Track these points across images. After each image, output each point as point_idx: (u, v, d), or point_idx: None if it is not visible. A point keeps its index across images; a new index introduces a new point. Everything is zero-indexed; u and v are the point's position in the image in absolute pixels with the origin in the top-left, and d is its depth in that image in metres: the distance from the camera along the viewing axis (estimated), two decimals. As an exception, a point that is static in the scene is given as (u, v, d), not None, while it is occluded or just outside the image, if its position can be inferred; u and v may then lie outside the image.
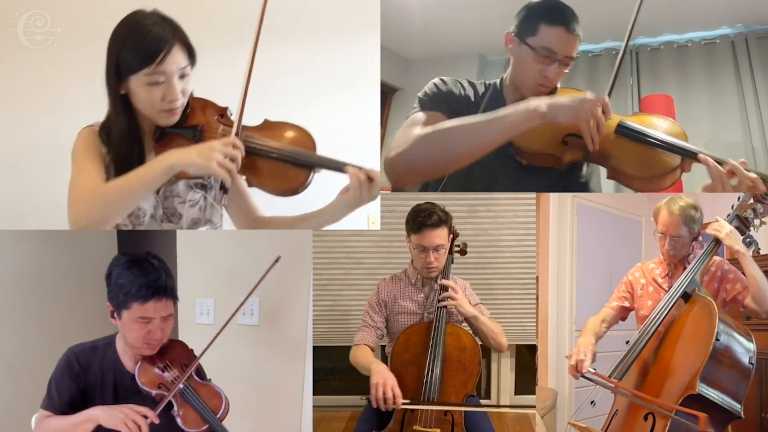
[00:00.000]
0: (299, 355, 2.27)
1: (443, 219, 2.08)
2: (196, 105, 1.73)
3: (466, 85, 1.99)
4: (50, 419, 1.63)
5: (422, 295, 2.18)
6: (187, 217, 1.78)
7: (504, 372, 3.43)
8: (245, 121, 1.70)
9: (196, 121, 1.72)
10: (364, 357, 2.07)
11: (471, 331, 2.10)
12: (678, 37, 3.37)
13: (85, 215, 1.60)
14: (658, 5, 3.07)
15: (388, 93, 3.52)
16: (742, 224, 1.89)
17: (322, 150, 1.73)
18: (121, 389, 1.70)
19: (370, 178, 1.64)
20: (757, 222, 1.90)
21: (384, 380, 1.88)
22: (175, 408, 1.69)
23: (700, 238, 2.00)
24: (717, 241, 1.86)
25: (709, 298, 1.72)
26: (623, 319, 2.16)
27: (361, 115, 2.66)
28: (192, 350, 1.81)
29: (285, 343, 2.30)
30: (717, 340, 1.58)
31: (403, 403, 1.90)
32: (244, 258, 2.28)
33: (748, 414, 1.69)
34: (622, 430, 1.75)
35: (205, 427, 1.69)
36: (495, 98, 1.96)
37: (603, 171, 1.93)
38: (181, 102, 1.66)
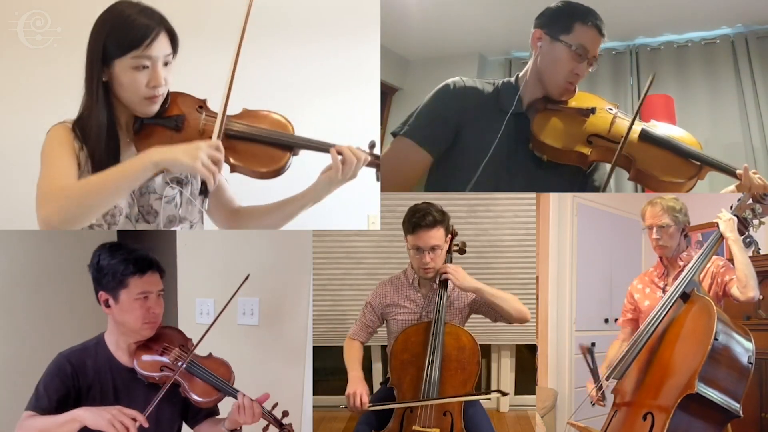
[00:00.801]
0: (299, 355, 2.28)
1: (439, 219, 2.05)
2: (174, 97, 1.74)
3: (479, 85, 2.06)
4: (34, 419, 1.57)
5: (420, 296, 2.18)
6: (163, 215, 1.76)
7: (504, 372, 3.43)
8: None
9: (177, 112, 1.72)
10: (349, 359, 2.15)
11: (470, 332, 2.09)
12: (678, 37, 3.36)
13: (57, 213, 1.54)
14: (658, 5, 3.08)
15: (388, 93, 3.51)
16: (742, 224, 1.89)
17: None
18: (121, 384, 1.69)
19: (353, 154, 1.70)
20: (756, 222, 1.91)
21: (354, 391, 2.00)
22: (184, 385, 1.69)
23: (700, 237, 2.01)
24: (715, 242, 1.86)
25: (707, 298, 1.73)
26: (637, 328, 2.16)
27: (361, 114, 2.66)
28: (183, 332, 1.82)
29: (285, 343, 2.30)
30: (716, 339, 1.59)
31: (403, 403, 1.95)
32: (244, 258, 2.28)
33: (748, 413, 1.69)
34: (621, 430, 1.76)
35: (216, 396, 1.72)
36: (509, 96, 2.02)
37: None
38: (163, 90, 1.67)
